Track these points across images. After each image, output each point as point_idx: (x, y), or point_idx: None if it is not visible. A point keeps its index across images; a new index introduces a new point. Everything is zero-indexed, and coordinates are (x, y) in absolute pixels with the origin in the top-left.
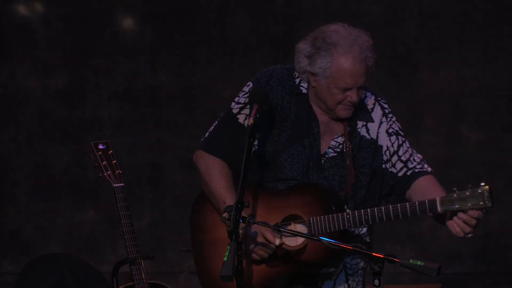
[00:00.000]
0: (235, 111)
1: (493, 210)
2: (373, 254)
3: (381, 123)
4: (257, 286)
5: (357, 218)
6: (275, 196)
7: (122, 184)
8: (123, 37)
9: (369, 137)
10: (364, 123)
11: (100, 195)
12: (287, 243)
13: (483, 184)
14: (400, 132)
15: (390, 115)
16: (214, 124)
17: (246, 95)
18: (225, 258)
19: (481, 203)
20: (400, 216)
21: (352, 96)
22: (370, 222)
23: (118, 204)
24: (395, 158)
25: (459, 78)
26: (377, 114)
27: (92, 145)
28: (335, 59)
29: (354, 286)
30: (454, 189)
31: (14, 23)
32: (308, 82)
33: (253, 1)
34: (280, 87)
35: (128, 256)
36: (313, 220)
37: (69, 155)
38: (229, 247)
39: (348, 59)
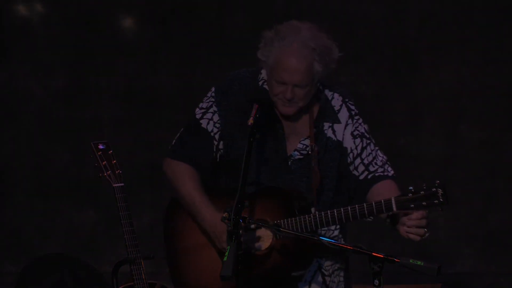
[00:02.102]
0: (198, 116)
1: (493, 210)
2: (373, 254)
3: (347, 124)
4: None
5: (318, 221)
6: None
7: (122, 184)
8: (123, 37)
9: (335, 139)
10: (331, 124)
11: (100, 195)
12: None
13: (437, 182)
14: (365, 134)
15: (356, 117)
16: (180, 131)
17: (208, 100)
18: (225, 258)
19: (436, 201)
20: (359, 217)
21: (286, 92)
22: (331, 224)
23: (118, 204)
24: (358, 161)
25: (459, 78)
26: (343, 115)
27: (92, 145)
28: (276, 50)
29: (334, 287)
30: (410, 188)
31: (14, 23)
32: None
33: (253, 1)
34: (242, 91)
35: (128, 256)
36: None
37: (69, 155)
38: (229, 247)
39: (286, 53)
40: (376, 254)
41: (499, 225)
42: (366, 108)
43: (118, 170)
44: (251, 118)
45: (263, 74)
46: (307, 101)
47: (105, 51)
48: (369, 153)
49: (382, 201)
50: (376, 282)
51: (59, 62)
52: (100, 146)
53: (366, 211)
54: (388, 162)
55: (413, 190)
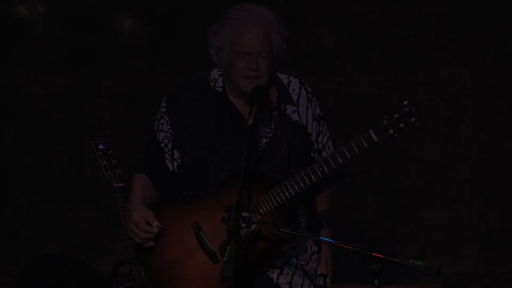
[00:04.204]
0: (155, 128)
1: (493, 210)
2: (373, 254)
3: (307, 108)
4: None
5: (299, 180)
6: (211, 197)
7: (122, 184)
8: (123, 37)
9: (301, 123)
10: (295, 109)
11: (100, 195)
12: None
13: (405, 102)
14: (320, 114)
15: (313, 99)
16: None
17: (160, 110)
18: (225, 258)
19: (413, 119)
20: (341, 162)
21: (251, 62)
22: (315, 179)
23: (118, 204)
24: (315, 145)
25: (459, 78)
26: (303, 98)
27: (92, 145)
28: (232, 27)
29: (313, 272)
30: (384, 117)
31: (14, 23)
32: (224, 68)
33: (253, 1)
34: (194, 97)
35: (128, 256)
36: (258, 201)
37: (69, 155)
38: (229, 247)
39: (244, 24)
40: (376, 254)
41: (499, 225)
42: (366, 108)
43: (118, 170)
44: (251, 118)
45: (213, 75)
46: (269, 76)
47: (105, 51)
48: (324, 135)
49: (360, 137)
50: (376, 282)
51: (59, 62)
52: (100, 146)
53: (347, 153)
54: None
55: (386, 117)
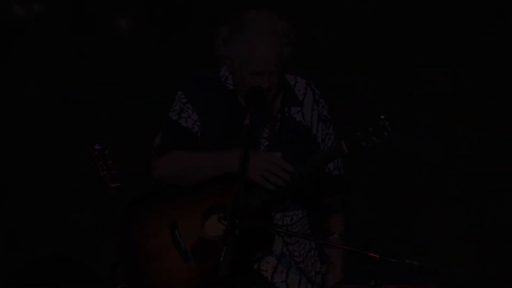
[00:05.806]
0: (175, 118)
1: (492, 210)
2: (370, 254)
3: (313, 109)
4: (192, 285)
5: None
6: (193, 196)
7: (118, 184)
8: (122, 37)
9: (305, 123)
10: (300, 109)
11: (98, 195)
12: (209, 233)
13: (382, 116)
14: (327, 116)
15: (321, 100)
16: (158, 138)
17: (179, 101)
18: (221, 259)
19: (386, 133)
20: (313, 170)
21: (263, 82)
22: (287, 187)
23: (115, 205)
24: (322, 147)
25: (458, 78)
26: (309, 99)
27: (88, 145)
28: (243, 42)
29: (310, 269)
30: (358, 133)
31: (13, 23)
32: (233, 75)
33: (253, 1)
34: (205, 91)
35: None
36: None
37: (68, 155)
38: (225, 247)
39: (256, 43)
40: (373, 254)
41: (499, 225)
42: (364, 108)
43: (114, 170)
44: (247, 118)
45: (223, 71)
46: (279, 85)
47: (104, 51)
48: (329, 139)
49: (332, 145)
50: (372, 282)
51: (58, 62)
52: (96, 146)
53: (319, 162)
54: None
55: (360, 129)
